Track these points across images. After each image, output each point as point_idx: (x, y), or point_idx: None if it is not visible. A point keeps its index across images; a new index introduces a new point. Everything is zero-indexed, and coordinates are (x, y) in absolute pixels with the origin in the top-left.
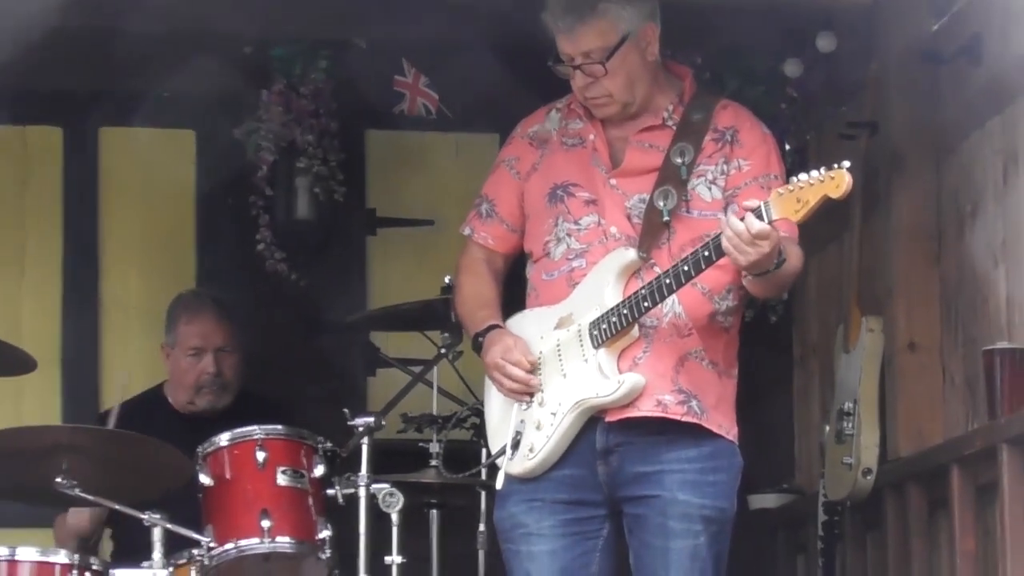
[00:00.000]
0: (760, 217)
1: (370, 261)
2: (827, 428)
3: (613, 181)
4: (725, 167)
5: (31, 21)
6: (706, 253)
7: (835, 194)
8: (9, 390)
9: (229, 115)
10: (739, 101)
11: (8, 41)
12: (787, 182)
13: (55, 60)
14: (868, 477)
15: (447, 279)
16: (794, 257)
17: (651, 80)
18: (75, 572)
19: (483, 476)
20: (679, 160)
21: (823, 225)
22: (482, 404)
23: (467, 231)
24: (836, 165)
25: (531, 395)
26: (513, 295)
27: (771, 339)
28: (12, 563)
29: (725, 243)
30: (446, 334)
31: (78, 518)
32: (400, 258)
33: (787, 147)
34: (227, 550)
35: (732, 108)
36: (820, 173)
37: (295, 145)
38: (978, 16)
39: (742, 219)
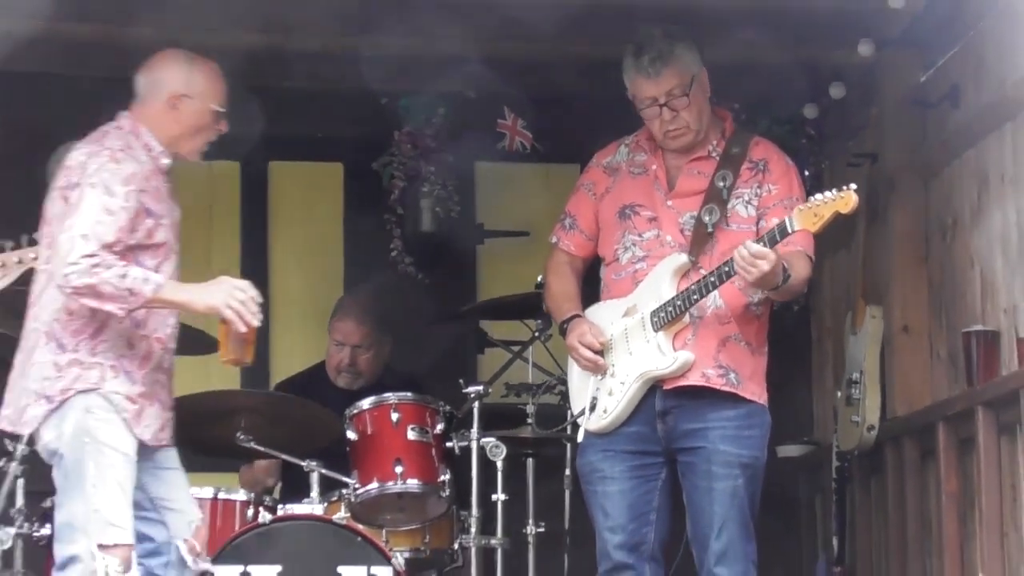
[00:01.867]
0: (786, 229)
1: (479, 264)
2: (839, 393)
3: (670, 202)
4: (758, 190)
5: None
6: (727, 270)
7: (844, 210)
8: (199, 368)
9: (369, 151)
10: (768, 138)
11: None
12: (806, 201)
13: (235, 108)
14: (871, 432)
15: (539, 278)
16: (801, 270)
17: (708, 114)
18: (251, 507)
19: (568, 432)
20: (721, 184)
21: (835, 234)
22: (567, 375)
23: (554, 240)
24: (846, 187)
25: (602, 370)
26: (590, 290)
27: (795, 324)
28: (200, 501)
29: (736, 266)
30: (539, 321)
31: (264, 472)
32: (502, 261)
33: (806, 173)
34: (369, 490)
35: (763, 144)
36: (833, 193)
37: (420, 174)
38: (957, 70)
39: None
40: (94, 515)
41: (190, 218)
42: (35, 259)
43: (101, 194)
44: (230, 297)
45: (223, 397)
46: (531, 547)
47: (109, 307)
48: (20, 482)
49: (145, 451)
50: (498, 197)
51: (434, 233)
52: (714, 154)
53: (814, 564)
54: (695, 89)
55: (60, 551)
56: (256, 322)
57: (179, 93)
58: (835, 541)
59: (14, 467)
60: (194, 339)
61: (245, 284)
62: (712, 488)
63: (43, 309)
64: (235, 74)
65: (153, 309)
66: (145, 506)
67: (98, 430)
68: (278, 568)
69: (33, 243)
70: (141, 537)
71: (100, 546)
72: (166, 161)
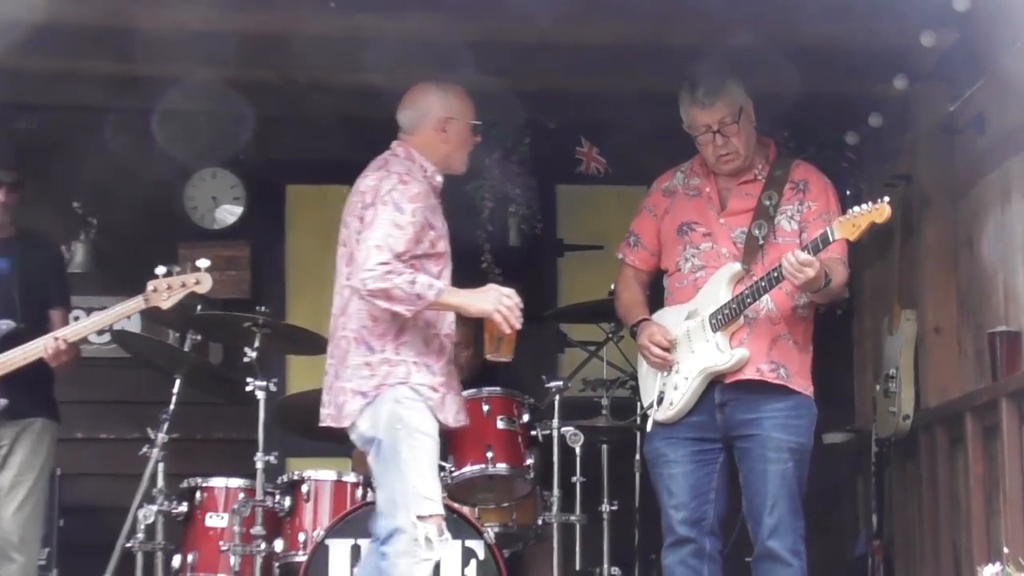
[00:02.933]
0: (828, 238)
1: (559, 274)
2: (877, 387)
3: (722, 220)
4: (799, 207)
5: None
6: (776, 275)
7: (879, 220)
8: (316, 364)
9: (463, 176)
10: (813, 162)
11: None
12: (844, 214)
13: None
14: (906, 421)
15: (612, 286)
16: (839, 276)
17: (755, 141)
18: (361, 488)
19: (639, 422)
20: (768, 203)
21: (874, 247)
22: (636, 372)
23: (621, 256)
24: (880, 200)
25: (669, 366)
26: (655, 297)
27: (839, 326)
28: (319, 482)
29: (784, 272)
30: (612, 324)
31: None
32: (580, 271)
33: (847, 193)
34: (463, 472)
35: (803, 166)
36: (869, 206)
37: (507, 195)
38: (982, 101)
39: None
40: (411, 491)
41: (324, 238)
42: (197, 284)
43: (392, 211)
44: (498, 303)
45: None
46: (605, 523)
47: (398, 308)
48: (160, 466)
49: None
50: (576, 215)
51: (520, 247)
52: (760, 176)
53: (856, 538)
54: (743, 118)
55: (385, 525)
56: (519, 325)
57: (445, 117)
58: (874, 517)
59: (156, 453)
60: (309, 341)
61: (510, 292)
62: (766, 471)
63: (350, 319)
64: (366, 111)
65: (440, 311)
66: None
67: (408, 417)
68: None
69: (196, 270)
70: None
71: (419, 517)
72: (439, 179)
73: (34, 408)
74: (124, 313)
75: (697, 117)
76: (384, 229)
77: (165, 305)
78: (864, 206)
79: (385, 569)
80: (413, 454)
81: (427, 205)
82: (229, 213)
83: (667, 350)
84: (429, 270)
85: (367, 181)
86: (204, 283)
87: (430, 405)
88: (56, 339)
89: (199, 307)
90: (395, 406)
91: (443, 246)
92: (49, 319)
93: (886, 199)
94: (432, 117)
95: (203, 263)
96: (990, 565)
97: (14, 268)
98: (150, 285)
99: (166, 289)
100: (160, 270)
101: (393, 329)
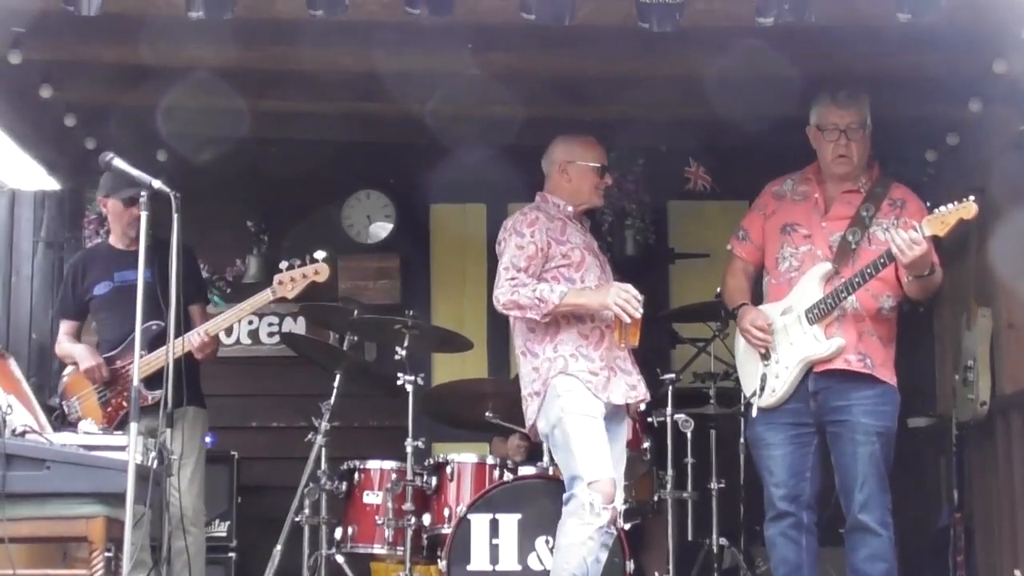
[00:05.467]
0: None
1: (671, 279)
2: (957, 376)
3: (824, 224)
4: (895, 221)
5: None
6: (882, 261)
7: (967, 216)
8: (457, 361)
9: None
10: (897, 178)
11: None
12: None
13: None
14: (983, 407)
15: (718, 290)
16: (938, 274)
17: (866, 159)
18: (498, 469)
19: (743, 410)
20: (865, 214)
21: (953, 251)
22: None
23: (730, 247)
24: (966, 198)
25: (766, 349)
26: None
27: (922, 322)
28: (461, 464)
29: (894, 248)
30: (718, 323)
31: (514, 450)
32: (689, 277)
33: (927, 204)
34: None
35: (902, 188)
36: (955, 204)
37: (624, 210)
38: None
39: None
40: (580, 463)
41: (463, 250)
42: (316, 274)
43: (515, 237)
44: (616, 296)
45: (475, 384)
46: (714, 498)
47: (530, 315)
48: (323, 450)
49: (616, 413)
50: (685, 227)
51: (635, 256)
52: (862, 190)
53: (939, 511)
54: (866, 131)
55: (567, 495)
56: (637, 314)
57: (565, 160)
58: (955, 493)
59: (319, 439)
60: (451, 340)
61: (627, 286)
62: (856, 452)
63: (517, 337)
64: (499, 139)
65: (582, 310)
66: None
67: (569, 403)
68: (519, 516)
69: (314, 261)
70: None
71: (588, 484)
72: (570, 209)
73: (184, 398)
74: (255, 304)
75: (830, 116)
76: (510, 252)
77: (291, 295)
78: (951, 205)
79: (559, 525)
80: (577, 432)
81: (551, 227)
82: (381, 229)
83: (766, 333)
84: (570, 277)
85: (505, 222)
86: (322, 273)
87: (590, 388)
88: (199, 334)
89: (356, 312)
90: (557, 398)
91: (578, 256)
92: (190, 315)
93: (971, 197)
94: (556, 162)
95: (320, 254)
96: None
97: (155, 275)
98: (276, 279)
99: (290, 281)
100: (283, 264)
101: (549, 333)
